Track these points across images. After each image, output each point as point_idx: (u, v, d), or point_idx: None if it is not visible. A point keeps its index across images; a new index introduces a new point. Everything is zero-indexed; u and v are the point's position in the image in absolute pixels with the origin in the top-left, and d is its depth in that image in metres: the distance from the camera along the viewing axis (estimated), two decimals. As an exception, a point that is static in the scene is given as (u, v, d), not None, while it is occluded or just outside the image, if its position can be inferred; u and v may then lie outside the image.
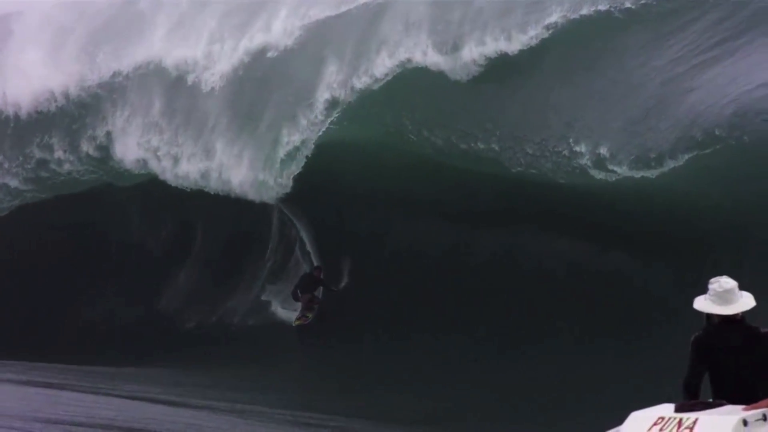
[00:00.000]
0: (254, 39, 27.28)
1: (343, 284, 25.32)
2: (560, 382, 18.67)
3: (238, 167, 26.73)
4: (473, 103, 22.75)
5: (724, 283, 8.28)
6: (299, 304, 25.34)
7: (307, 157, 25.40)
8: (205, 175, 27.47)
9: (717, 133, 17.26)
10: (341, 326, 24.33)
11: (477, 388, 19.33)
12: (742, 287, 8.37)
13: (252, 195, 26.59)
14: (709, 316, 8.34)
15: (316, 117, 25.09)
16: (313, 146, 25.24)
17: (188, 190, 28.16)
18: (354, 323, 24.19)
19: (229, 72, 27.45)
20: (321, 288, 25.42)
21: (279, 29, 26.82)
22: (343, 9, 25.90)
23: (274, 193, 26.17)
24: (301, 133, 25.32)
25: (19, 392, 17.90)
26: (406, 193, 24.80)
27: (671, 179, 18.16)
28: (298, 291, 25.27)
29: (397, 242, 25.01)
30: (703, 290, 8.35)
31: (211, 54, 28.00)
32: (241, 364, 24.26)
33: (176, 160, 28.18)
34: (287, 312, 26.25)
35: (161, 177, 28.58)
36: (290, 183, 25.72)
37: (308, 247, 26.68)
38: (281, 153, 25.64)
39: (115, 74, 30.19)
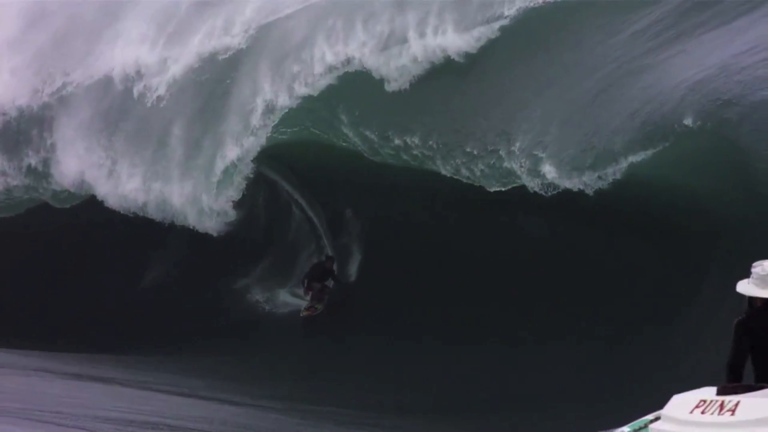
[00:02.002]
0: (200, 47, 26.80)
1: (353, 278, 25.06)
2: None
3: (179, 188, 26.35)
4: (419, 100, 22.74)
5: (767, 266, 8.29)
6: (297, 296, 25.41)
7: (248, 177, 25.30)
8: (146, 194, 27.12)
9: (673, 123, 16.99)
10: (365, 319, 24.13)
11: (487, 380, 19.37)
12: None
13: (192, 219, 26.22)
14: (751, 299, 8.36)
15: (255, 126, 24.81)
16: (252, 165, 25.13)
17: (130, 215, 27.75)
18: (364, 316, 24.05)
19: (175, 82, 26.97)
20: (331, 279, 24.98)
21: (224, 35, 26.42)
22: (286, 12, 25.49)
23: (214, 223, 25.94)
24: (240, 147, 25.05)
25: (69, 386, 18.11)
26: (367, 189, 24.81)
27: (631, 172, 17.95)
28: (306, 280, 24.93)
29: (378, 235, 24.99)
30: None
31: (157, 64, 27.53)
32: (257, 358, 24.11)
33: (117, 178, 27.68)
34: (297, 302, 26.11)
35: (99, 197, 28.04)
36: (229, 209, 25.60)
37: (324, 238, 26.27)
38: (219, 172, 25.38)
39: (64, 84, 29.47)
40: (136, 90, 27.80)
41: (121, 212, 27.86)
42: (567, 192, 18.97)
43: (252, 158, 25.23)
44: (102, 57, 28.86)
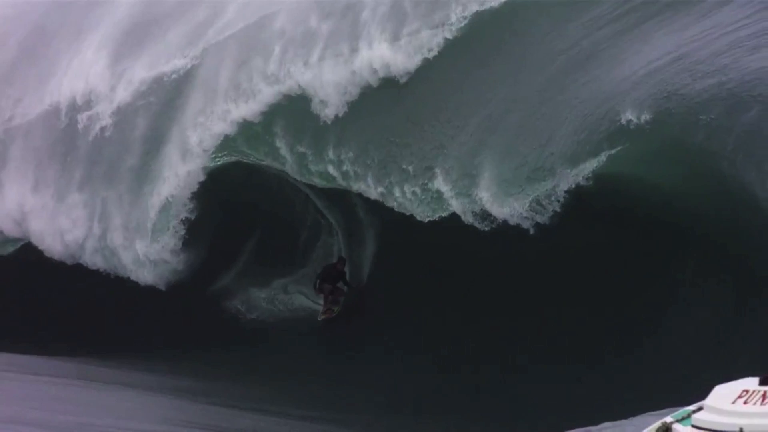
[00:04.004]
0: (147, 72, 26.44)
1: (363, 283, 25.10)
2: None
3: (119, 235, 25.66)
4: (357, 117, 22.92)
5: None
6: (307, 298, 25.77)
7: (186, 220, 24.83)
8: (85, 242, 26.42)
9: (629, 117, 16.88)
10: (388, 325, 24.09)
11: (503, 383, 19.38)
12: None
13: (132, 268, 25.42)
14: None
15: (192, 153, 24.44)
16: (190, 202, 24.78)
17: (68, 261, 27.00)
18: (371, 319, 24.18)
19: (119, 111, 26.38)
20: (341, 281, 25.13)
21: (171, 59, 26.15)
22: (224, 35, 25.27)
23: (152, 276, 25.29)
24: (177, 179, 24.63)
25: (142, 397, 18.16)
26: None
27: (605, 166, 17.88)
28: (318, 281, 25.07)
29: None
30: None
31: (103, 92, 26.99)
32: (266, 362, 24.36)
33: (56, 218, 26.99)
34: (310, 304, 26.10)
35: (34, 242, 27.38)
36: (168, 256, 25.04)
37: (339, 237, 26.28)
38: (154, 214, 24.79)
39: (11, 117, 28.90)
40: (81, 120, 27.09)
41: (58, 258, 27.24)
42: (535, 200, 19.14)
43: (189, 196, 24.85)
44: (46, 88, 28.30)
